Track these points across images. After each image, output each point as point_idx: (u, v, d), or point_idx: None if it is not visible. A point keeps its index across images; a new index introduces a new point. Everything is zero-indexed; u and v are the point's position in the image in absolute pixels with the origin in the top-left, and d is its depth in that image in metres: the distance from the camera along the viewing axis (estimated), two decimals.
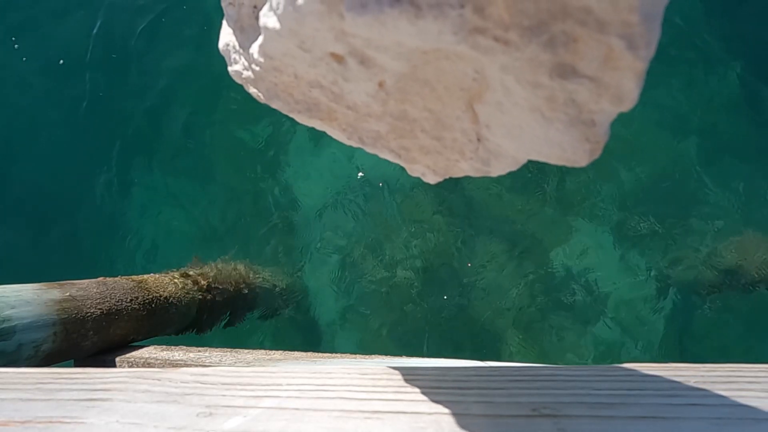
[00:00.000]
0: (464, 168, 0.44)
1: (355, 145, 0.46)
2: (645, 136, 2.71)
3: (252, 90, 0.45)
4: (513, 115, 0.36)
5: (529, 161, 0.41)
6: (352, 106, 0.41)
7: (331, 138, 0.47)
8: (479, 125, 0.40)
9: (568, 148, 0.35)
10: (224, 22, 0.44)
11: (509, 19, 0.30)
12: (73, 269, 2.80)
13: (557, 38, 0.30)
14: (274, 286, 2.77)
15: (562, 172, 2.72)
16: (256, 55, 0.40)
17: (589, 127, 0.34)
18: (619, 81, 0.31)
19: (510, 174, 0.43)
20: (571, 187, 2.74)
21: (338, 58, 0.36)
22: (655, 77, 2.70)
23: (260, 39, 0.38)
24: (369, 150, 0.45)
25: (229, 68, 0.46)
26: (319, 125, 0.45)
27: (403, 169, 0.47)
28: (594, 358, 2.49)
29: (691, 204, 2.60)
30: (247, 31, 0.41)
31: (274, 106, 0.44)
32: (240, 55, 0.43)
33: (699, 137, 2.68)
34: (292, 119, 0.46)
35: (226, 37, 0.45)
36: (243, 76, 0.44)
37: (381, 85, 0.38)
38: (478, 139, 0.41)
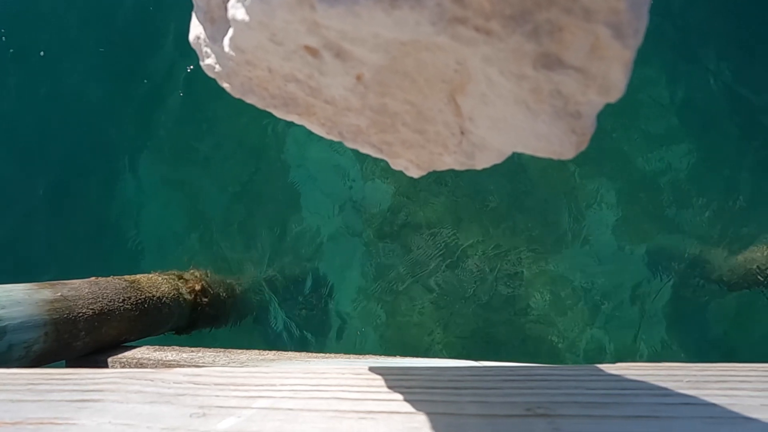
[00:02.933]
0: (448, 162, 0.43)
1: (335, 139, 0.44)
2: (628, 139, 2.73)
3: (225, 84, 0.43)
4: (497, 107, 0.35)
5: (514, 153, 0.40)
6: (330, 100, 0.40)
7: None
8: (462, 118, 0.38)
9: (555, 141, 0.34)
10: (193, 14, 0.42)
11: (490, 8, 0.28)
12: (64, 269, 2.79)
13: (541, 27, 0.28)
14: (268, 286, 2.76)
15: (549, 168, 2.72)
16: (227, 49, 0.38)
17: (576, 119, 0.32)
18: (607, 71, 0.29)
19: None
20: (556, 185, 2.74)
21: (313, 52, 0.35)
22: (639, 79, 2.72)
23: (230, 32, 0.37)
24: (350, 145, 0.44)
25: (202, 63, 0.44)
26: (297, 120, 0.44)
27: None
28: (586, 358, 2.52)
29: (676, 208, 2.63)
30: (218, 23, 0.39)
31: (249, 101, 0.42)
32: (211, 49, 0.42)
33: (682, 140, 2.70)
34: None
35: (196, 29, 0.43)
36: (216, 70, 0.42)
37: (359, 78, 0.37)
38: (462, 132, 0.39)
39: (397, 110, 0.39)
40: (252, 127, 2.99)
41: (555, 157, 0.35)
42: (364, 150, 0.44)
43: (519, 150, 0.38)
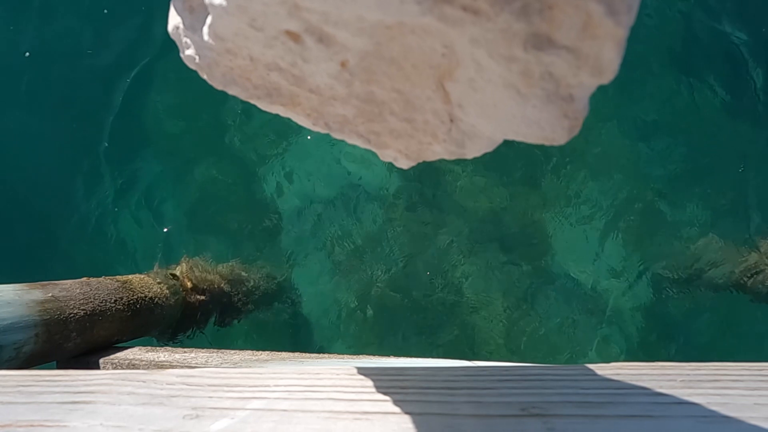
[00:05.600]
0: (437, 151, 0.41)
1: (321, 131, 0.43)
2: (615, 146, 2.74)
3: (205, 76, 0.42)
4: (486, 92, 0.34)
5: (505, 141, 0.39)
6: (314, 89, 0.38)
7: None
8: (451, 105, 0.37)
9: (546, 126, 0.33)
10: (171, 4, 0.41)
11: None
12: (55, 269, 2.76)
13: (531, 5, 0.27)
14: (262, 286, 2.75)
15: (545, 163, 2.72)
16: (206, 38, 0.37)
17: (568, 103, 0.31)
18: (599, 50, 0.28)
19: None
20: (551, 183, 2.75)
21: (294, 37, 0.33)
22: (626, 87, 2.73)
23: (209, 19, 0.35)
24: (336, 136, 0.42)
25: (181, 54, 0.43)
26: (282, 111, 0.42)
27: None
28: (581, 358, 2.54)
29: (664, 212, 2.66)
30: (197, 12, 0.38)
31: (231, 92, 0.41)
32: (191, 39, 0.40)
33: (670, 146, 2.72)
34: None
35: (174, 19, 0.41)
36: (196, 61, 0.41)
37: (344, 65, 0.35)
38: (451, 120, 0.38)
39: (385, 98, 0.38)
40: (220, 123, 2.98)
41: (547, 143, 0.34)
42: (352, 141, 0.43)
43: (510, 137, 0.36)
